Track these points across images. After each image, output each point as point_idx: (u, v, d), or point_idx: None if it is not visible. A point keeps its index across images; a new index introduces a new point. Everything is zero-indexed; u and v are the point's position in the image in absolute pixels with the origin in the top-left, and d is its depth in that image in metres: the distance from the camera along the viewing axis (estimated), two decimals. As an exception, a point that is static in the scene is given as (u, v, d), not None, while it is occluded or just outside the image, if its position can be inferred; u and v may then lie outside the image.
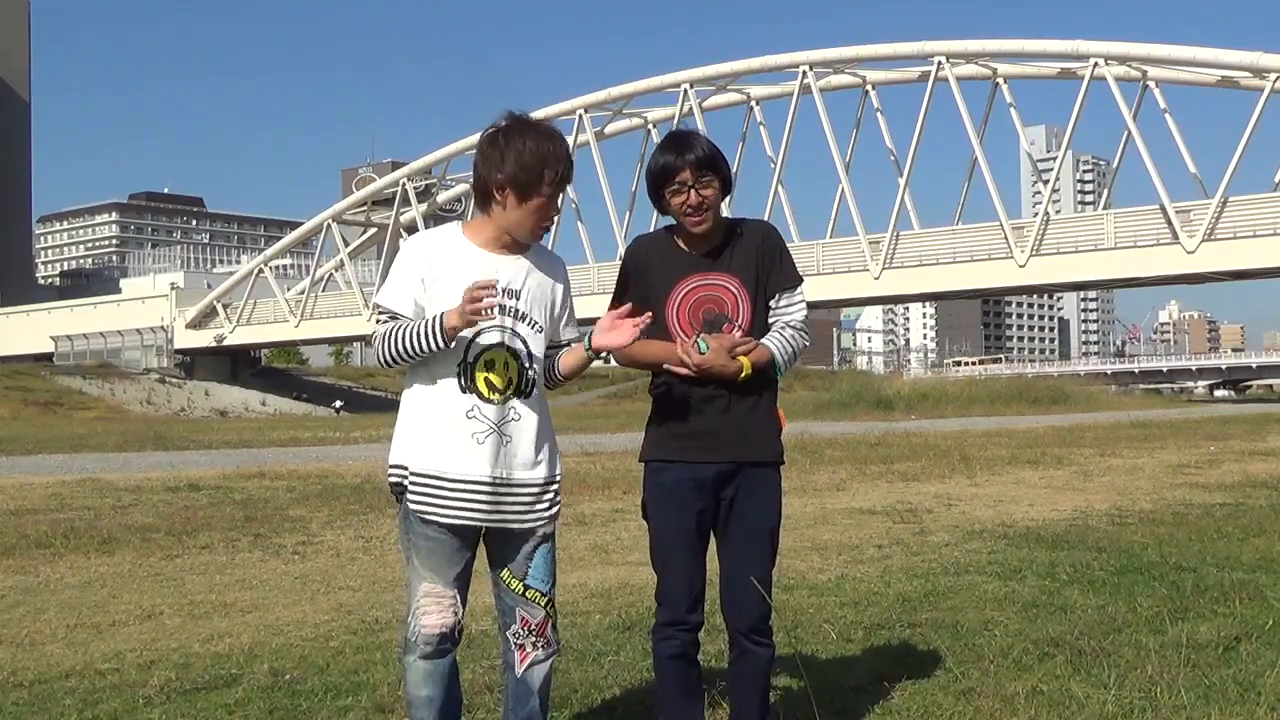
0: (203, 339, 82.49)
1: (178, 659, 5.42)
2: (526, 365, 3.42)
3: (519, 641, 3.46)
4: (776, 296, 3.58)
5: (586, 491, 12.96)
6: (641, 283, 3.54)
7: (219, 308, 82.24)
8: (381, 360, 3.41)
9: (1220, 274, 50.11)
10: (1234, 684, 4.49)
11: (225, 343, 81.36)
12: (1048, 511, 11.10)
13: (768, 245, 3.57)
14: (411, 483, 3.41)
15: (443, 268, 3.36)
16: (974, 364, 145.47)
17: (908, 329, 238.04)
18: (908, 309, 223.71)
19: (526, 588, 3.44)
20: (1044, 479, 15.03)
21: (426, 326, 3.29)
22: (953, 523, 10.34)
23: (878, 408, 45.74)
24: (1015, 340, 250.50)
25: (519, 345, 3.41)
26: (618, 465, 16.46)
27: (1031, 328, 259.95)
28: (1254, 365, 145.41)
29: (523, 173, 3.29)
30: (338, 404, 74.05)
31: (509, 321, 3.41)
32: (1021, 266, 52.14)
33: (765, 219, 3.56)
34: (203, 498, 13.08)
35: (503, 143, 3.32)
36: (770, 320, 3.59)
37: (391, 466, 3.47)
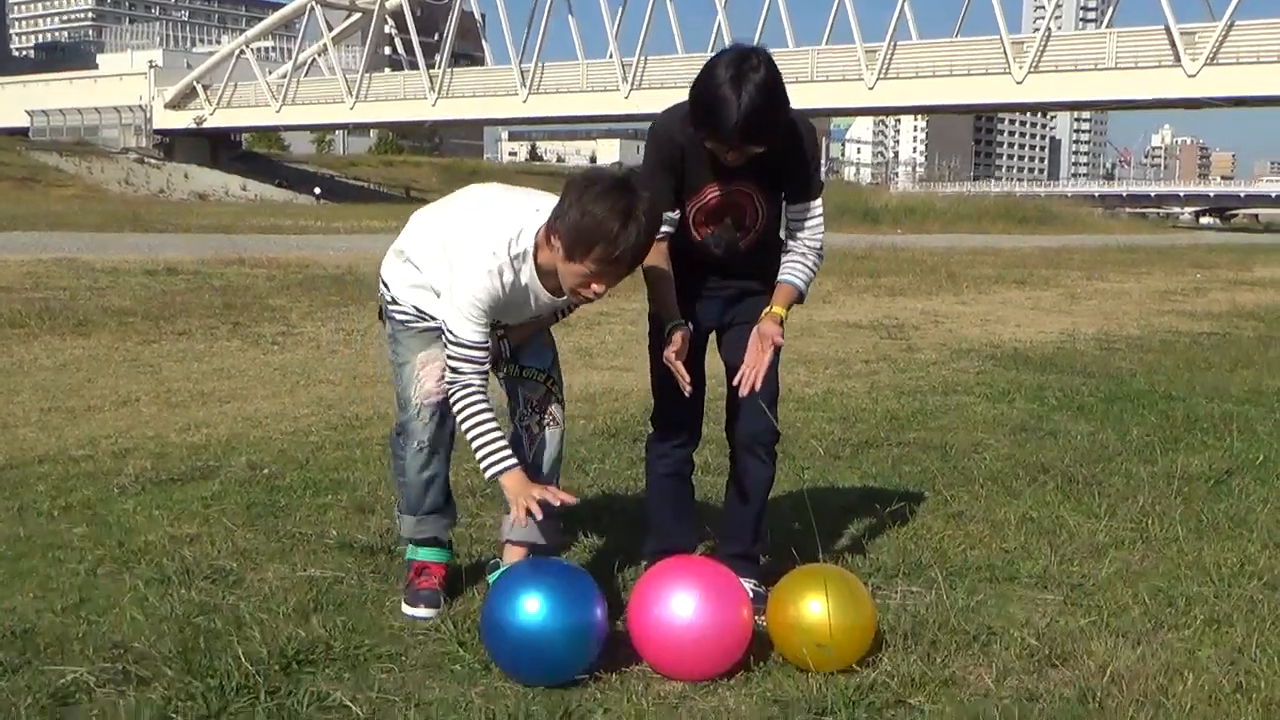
0: (182, 120, 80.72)
1: (154, 448, 5.33)
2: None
3: (525, 424, 3.47)
4: (795, 205, 3.36)
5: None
6: (673, 172, 3.27)
7: (199, 89, 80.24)
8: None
9: (1219, 100, 49.30)
10: (1225, 519, 4.43)
11: (205, 125, 79.78)
12: (1035, 333, 11.05)
13: (796, 151, 3.28)
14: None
15: (512, 298, 3.18)
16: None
17: (898, 142, 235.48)
18: (899, 122, 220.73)
19: (523, 368, 3.46)
20: (1031, 299, 14.99)
21: (489, 459, 3.11)
22: (940, 340, 10.29)
23: (864, 220, 45.51)
24: (1005, 159, 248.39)
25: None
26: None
27: (1022, 145, 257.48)
28: (1242, 195, 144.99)
29: (571, 235, 3.00)
30: (317, 190, 73.10)
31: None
32: (1019, 83, 51.14)
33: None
34: (180, 283, 12.90)
35: (581, 190, 2.99)
36: (789, 225, 3.38)
37: (391, 304, 3.41)
